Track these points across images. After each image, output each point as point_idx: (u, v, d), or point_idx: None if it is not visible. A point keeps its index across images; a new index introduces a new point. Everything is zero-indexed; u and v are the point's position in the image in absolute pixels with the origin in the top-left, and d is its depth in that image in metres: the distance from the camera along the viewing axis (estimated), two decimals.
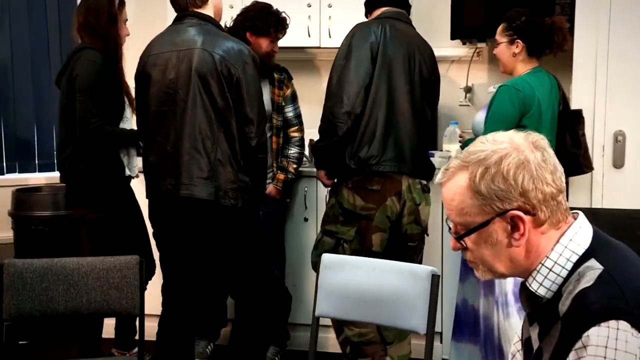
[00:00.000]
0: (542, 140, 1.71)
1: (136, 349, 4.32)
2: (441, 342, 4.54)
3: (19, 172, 5.39)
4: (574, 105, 4.07)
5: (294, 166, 4.34)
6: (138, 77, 3.61)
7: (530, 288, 1.70)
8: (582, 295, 1.59)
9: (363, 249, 3.71)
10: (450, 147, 4.66)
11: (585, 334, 1.52)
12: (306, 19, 4.71)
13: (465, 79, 4.91)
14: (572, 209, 3.77)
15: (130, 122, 4.02)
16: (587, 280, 1.60)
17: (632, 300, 1.54)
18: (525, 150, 1.67)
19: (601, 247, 1.67)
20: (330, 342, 4.50)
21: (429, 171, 3.88)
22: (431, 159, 4.23)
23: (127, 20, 4.07)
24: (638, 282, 1.59)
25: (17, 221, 4.90)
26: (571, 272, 1.66)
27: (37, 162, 5.43)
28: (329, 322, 4.04)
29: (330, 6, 4.68)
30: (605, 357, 1.50)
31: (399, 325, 2.86)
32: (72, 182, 3.99)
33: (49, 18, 5.41)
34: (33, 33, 5.38)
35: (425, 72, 3.82)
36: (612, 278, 1.59)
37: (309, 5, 4.71)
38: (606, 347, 1.50)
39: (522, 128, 3.48)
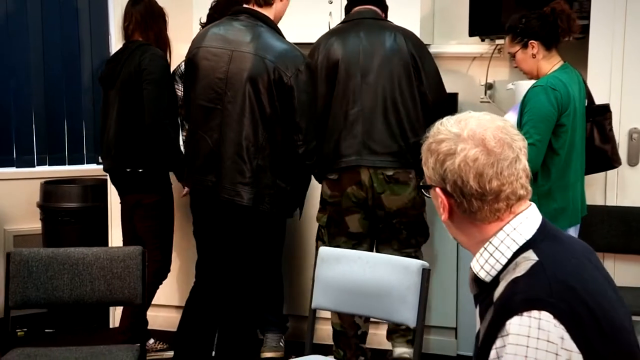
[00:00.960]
0: (513, 142, 1.71)
1: (151, 340, 4.45)
2: (456, 338, 4.55)
3: (49, 165, 5.52)
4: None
5: None
6: (187, 65, 3.67)
7: (473, 269, 1.75)
8: (512, 284, 1.63)
9: (342, 232, 3.97)
10: None
11: (509, 321, 1.56)
12: (327, 15, 4.74)
13: (486, 75, 4.90)
14: (588, 206, 3.77)
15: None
16: (520, 270, 1.64)
17: (557, 292, 1.57)
18: (470, 143, 1.69)
19: (544, 239, 1.70)
20: (328, 333, 4.59)
21: (406, 158, 3.90)
22: None
23: None
24: (568, 276, 1.62)
25: (45, 212, 5.05)
26: (510, 261, 1.69)
27: (67, 155, 5.55)
28: (327, 314, 4.14)
29: None
30: (527, 346, 1.52)
31: (392, 318, 2.91)
32: (136, 169, 4.20)
33: (80, 16, 5.55)
34: (65, 31, 5.51)
35: (383, 61, 3.86)
36: (543, 269, 1.62)
37: (330, 2, 4.74)
38: (528, 336, 1.53)
39: (562, 127, 3.48)
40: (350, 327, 4.01)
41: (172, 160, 4.15)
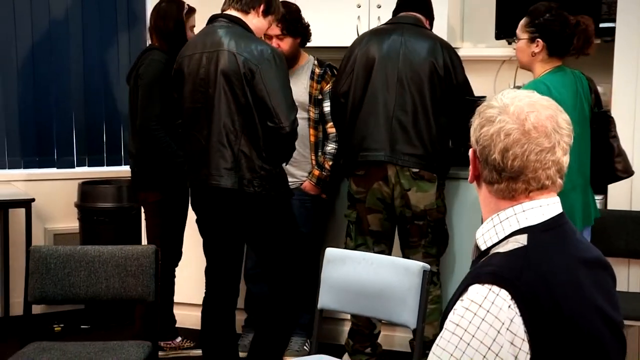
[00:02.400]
0: (554, 133, 1.69)
1: (179, 338, 4.54)
2: None
3: (88, 166, 5.66)
4: (614, 108, 4.02)
5: (330, 163, 4.43)
6: (174, 75, 3.89)
7: (476, 234, 1.78)
8: (490, 257, 1.67)
9: (365, 230, 4.11)
10: None
11: (470, 287, 1.60)
12: (355, 19, 4.79)
13: (514, 78, 4.87)
14: (609, 212, 3.72)
15: None
16: (505, 248, 1.67)
17: (526, 279, 1.59)
18: (511, 118, 1.69)
19: (547, 230, 1.70)
20: (339, 334, 4.66)
21: (432, 163, 4.03)
22: None
23: (194, 26, 4.40)
24: (549, 270, 1.62)
25: (82, 212, 5.19)
26: (506, 238, 1.71)
27: (105, 156, 5.69)
28: (338, 315, 4.25)
29: (379, 7, 4.73)
30: (475, 314, 1.56)
31: (393, 319, 2.94)
32: (139, 168, 4.38)
33: (118, 20, 5.69)
34: (104, 35, 5.66)
35: (417, 67, 4.01)
36: (525, 255, 1.63)
37: (359, 6, 4.78)
38: (479, 305, 1.57)
39: None
40: (365, 326, 4.13)
41: (165, 163, 4.25)
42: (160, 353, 4.52)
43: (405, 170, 3.99)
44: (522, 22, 3.56)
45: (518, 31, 3.57)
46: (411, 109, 4.00)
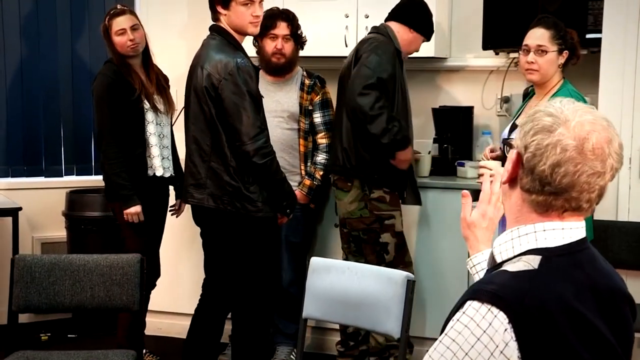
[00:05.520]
0: (608, 158, 1.62)
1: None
2: None
3: (76, 175, 5.65)
4: None
5: (321, 173, 4.44)
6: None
7: (494, 243, 1.75)
8: (496, 273, 1.64)
9: None
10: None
11: (469, 302, 1.58)
12: (343, 29, 4.80)
13: (501, 89, 4.89)
14: (595, 222, 3.73)
15: (153, 125, 4.28)
16: (514, 267, 1.62)
17: (528, 305, 1.55)
18: (571, 133, 1.62)
19: (563, 255, 1.65)
20: (327, 344, 4.68)
21: (342, 172, 4.21)
22: (462, 168, 4.43)
23: (122, 30, 4.23)
24: (553, 300, 1.58)
25: (70, 221, 5.18)
26: (519, 255, 1.67)
27: (93, 165, 5.67)
28: (326, 324, 4.31)
29: (367, 17, 4.74)
30: (471, 332, 1.54)
31: (377, 329, 2.94)
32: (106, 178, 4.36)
33: None
34: (92, 43, 5.64)
35: (345, 78, 4.19)
36: (531, 280, 1.59)
37: (347, 16, 4.80)
38: (477, 325, 1.54)
39: None
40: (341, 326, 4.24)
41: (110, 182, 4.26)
42: None
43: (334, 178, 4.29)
44: (547, 34, 3.57)
45: (546, 43, 3.56)
46: (340, 120, 4.21)
